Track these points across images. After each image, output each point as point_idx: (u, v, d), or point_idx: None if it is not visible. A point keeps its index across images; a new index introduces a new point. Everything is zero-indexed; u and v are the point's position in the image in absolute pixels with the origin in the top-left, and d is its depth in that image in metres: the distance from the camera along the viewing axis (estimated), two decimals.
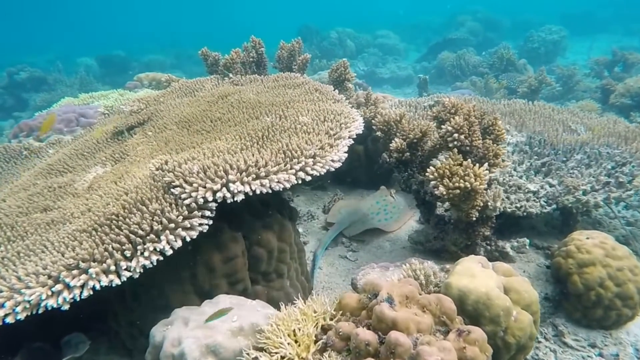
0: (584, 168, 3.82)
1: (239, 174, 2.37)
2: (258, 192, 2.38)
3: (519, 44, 14.70)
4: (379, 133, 3.64)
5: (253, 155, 2.59)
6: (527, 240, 3.27)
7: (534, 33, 13.93)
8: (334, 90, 4.00)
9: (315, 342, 1.90)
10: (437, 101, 4.85)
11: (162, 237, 2.20)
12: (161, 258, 2.21)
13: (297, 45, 5.01)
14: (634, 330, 3.04)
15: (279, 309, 2.53)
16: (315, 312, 2.03)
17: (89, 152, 3.76)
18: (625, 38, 18.13)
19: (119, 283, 2.11)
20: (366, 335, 1.77)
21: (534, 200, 3.47)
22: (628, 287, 2.92)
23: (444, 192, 2.70)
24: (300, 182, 2.50)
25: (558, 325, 3.01)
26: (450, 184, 2.68)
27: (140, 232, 2.20)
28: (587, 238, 3.14)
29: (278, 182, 2.42)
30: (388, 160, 3.60)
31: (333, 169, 2.66)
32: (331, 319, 2.02)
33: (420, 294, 2.00)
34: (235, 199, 2.34)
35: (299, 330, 1.92)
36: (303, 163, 2.53)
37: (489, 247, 3.31)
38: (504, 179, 3.70)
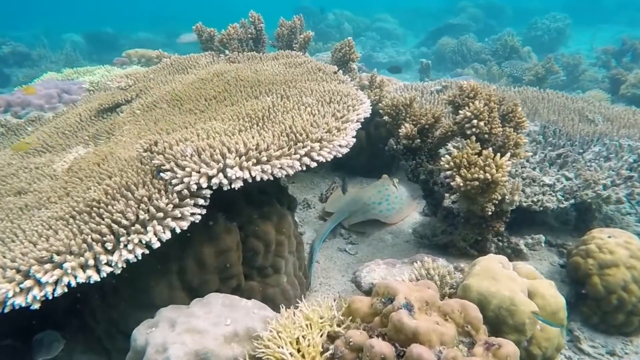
0: (602, 161, 3.60)
1: (237, 157, 2.10)
2: (258, 178, 2.11)
3: (521, 31, 14.37)
4: (386, 117, 3.37)
5: (253, 137, 2.32)
6: (543, 237, 3.05)
7: (538, 20, 13.61)
8: (338, 70, 3.72)
9: (322, 352, 1.67)
10: (445, 86, 4.59)
11: (149, 228, 1.94)
12: (147, 251, 1.95)
13: (298, 22, 4.70)
14: None
15: (275, 307, 2.31)
16: (321, 318, 1.79)
17: (71, 130, 3.45)
18: (629, 28, 17.82)
19: (98, 279, 1.85)
20: (382, 347, 1.53)
21: (550, 194, 3.25)
22: None
23: (461, 184, 2.46)
24: (304, 168, 2.24)
25: (574, 330, 2.81)
26: (468, 174, 2.44)
27: (124, 221, 1.94)
28: (610, 237, 2.92)
29: (281, 168, 2.16)
30: (395, 147, 3.35)
31: (340, 155, 2.40)
32: (338, 325, 1.79)
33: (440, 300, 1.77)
34: (232, 186, 2.07)
35: (303, 338, 1.68)
36: (309, 147, 2.27)
37: (500, 244, 3.10)
38: (516, 171, 3.47)
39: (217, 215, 2.36)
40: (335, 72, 3.59)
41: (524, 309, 1.95)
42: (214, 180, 2.03)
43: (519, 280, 2.09)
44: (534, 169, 3.57)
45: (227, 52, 4.32)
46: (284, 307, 2.00)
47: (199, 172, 2.05)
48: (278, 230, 2.57)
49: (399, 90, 4.59)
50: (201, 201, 2.07)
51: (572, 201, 3.23)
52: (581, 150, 3.77)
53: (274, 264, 2.62)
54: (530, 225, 3.67)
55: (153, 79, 3.97)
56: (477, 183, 2.40)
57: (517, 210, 3.22)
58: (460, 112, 2.69)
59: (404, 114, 3.25)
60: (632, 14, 19.04)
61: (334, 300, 2.23)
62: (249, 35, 4.48)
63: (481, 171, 2.39)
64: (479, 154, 2.55)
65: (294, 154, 2.22)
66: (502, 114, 2.89)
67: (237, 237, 2.42)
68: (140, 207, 1.98)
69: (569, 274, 3.06)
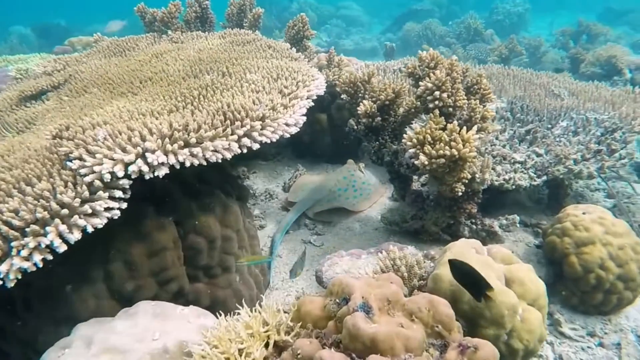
0: (571, 135, 3.42)
1: (160, 140, 1.76)
2: (188, 164, 1.78)
3: (483, 15, 14.35)
4: (344, 96, 3.08)
5: (183, 117, 1.97)
6: (518, 217, 2.84)
7: (499, 5, 13.63)
8: (291, 48, 3.40)
9: None
10: (408, 65, 4.33)
11: (50, 229, 1.58)
12: (50, 257, 1.59)
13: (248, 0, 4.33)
14: (633, 314, 2.70)
15: (228, 311, 2.00)
16: (266, 324, 1.49)
17: None
18: (583, 14, 18.22)
19: None
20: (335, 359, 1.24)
21: (522, 172, 3.04)
22: (630, 268, 2.56)
23: (425, 162, 2.19)
24: (244, 151, 1.92)
25: (554, 314, 2.62)
26: (432, 151, 2.17)
27: (16, 222, 1.57)
28: (584, 213, 2.74)
29: (215, 151, 1.83)
30: (356, 127, 3.06)
31: (288, 135, 2.09)
32: (287, 333, 1.49)
33: (405, 296, 1.49)
34: (156, 173, 1.73)
35: (240, 354, 1.37)
36: (248, 127, 1.94)
37: (474, 227, 2.87)
38: (486, 149, 3.25)
39: (146, 210, 2.01)
40: (288, 49, 3.27)
41: (502, 299, 1.70)
42: (132, 168, 1.69)
43: (495, 266, 1.85)
44: (503, 146, 3.36)
45: (169, 32, 3.93)
46: (223, 313, 1.68)
47: (112, 158, 1.69)
48: (223, 223, 2.24)
49: (360, 69, 4.30)
50: (118, 193, 1.72)
51: (545, 178, 3.03)
52: (549, 126, 3.58)
53: (221, 262, 2.29)
54: (503, 205, 3.47)
55: (86, 63, 3.55)
56: (443, 160, 2.14)
57: (488, 191, 3.00)
58: (420, 83, 2.42)
59: (362, 91, 2.96)
60: (586, 0, 19.49)
61: (297, 299, 1.94)
62: (194, 14, 4.09)
63: (447, 147, 2.13)
64: (444, 129, 2.28)
65: (231, 134, 1.89)
66: (466, 86, 2.64)
67: (173, 233, 2.08)
68: (40, 204, 1.62)
69: (545, 255, 2.87)
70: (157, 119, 1.97)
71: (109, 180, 1.69)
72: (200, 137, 1.81)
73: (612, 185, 4.18)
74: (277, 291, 2.90)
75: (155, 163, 1.70)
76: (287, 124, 2.07)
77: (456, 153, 2.09)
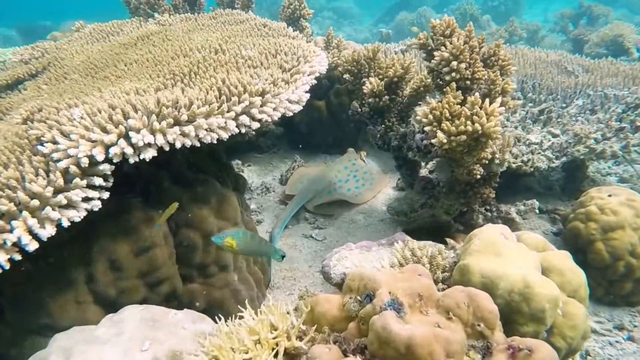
0: (588, 114, 3.22)
1: (145, 117, 1.52)
2: (179, 145, 1.55)
3: (478, 1, 14.18)
4: (346, 76, 2.84)
5: (172, 93, 1.73)
6: (537, 203, 2.62)
7: None
8: (287, 27, 3.16)
9: None
10: (410, 45, 4.11)
11: (17, 223, 1.34)
12: (18, 257, 1.35)
13: None
14: None
15: (226, 314, 1.77)
16: (274, 329, 1.26)
17: None
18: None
19: None
20: None
21: (539, 154, 2.83)
22: None
23: (444, 141, 1.97)
24: (243, 130, 1.68)
25: None
26: (452, 128, 1.94)
27: None
28: (610, 195, 2.54)
29: (210, 130, 1.60)
30: (360, 110, 2.83)
31: (291, 113, 1.86)
32: (300, 338, 1.26)
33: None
34: (142, 156, 1.50)
35: None
36: (247, 103, 1.71)
37: (489, 214, 2.65)
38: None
39: (132, 201, 1.77)
40: (284, 28, 3.03)
41: (542, 290, 1.48)
42: (114, 150, 1.45)
43: (530, 254, 1.63)
44: (515, 127, 3.15)
45: (156, 14, 3.67)
46: (222, 316, 1.45)
47: (90, 139, 1.45)
48: (220, 215, 2.01)
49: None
50: (98, 181, 1.48)
51: (564, 159, 2.82)
52: (564, 105, 3.38)
53: (218, 259, 2.06)
54: (515, 192, 3.26)
55: (66, 50, 3.28)
56: (464, 138, 1.91)
57: (501, 175, 2.79)
58: (435, 54, 2.19)
59: (367, 69, 2.73)
60: None
61: (301, 299, 1.72)
62: None
63: (468, 122, 1.90)
64: (461, 104, 2.06)
65: (227, 111, 1.66)
66: (482, 58, 2.41)
67: (163, 228, 1.84)
68: (6, 195, 1.38)
69: (566, 242, 2.66)
70: (142, 97, 1.72)
71: (86, 166, 1.44)
72: (192, 114, 1.57)
73: (623, 169, 4.00)
74: (279, 290, 2.68)
75: (141, 144, 1.47)
76: (289, 101, 1.84)
77: (479, 128, 1.87)
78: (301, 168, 3.96)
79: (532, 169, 2.67)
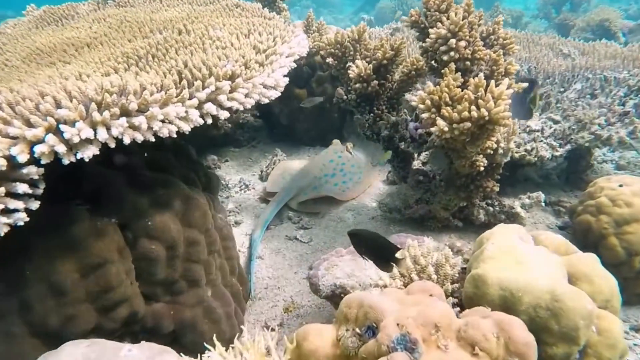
0: (589, 98, 3.00)
1: (83, 107, 1.20)
2: (127, 140, 1.24)
3: None
4: (329, 60, 2.56)
5: (121, 79, 1.42)
6: (542, 195, 2.40)
7: None
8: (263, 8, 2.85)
9: None
10: (397, 28, 3.84)
11: None
12: None
13: None
14: None
15: (198, 337, 1.49)
16: None
17: None
18: None
19: None
20: None
21: (541, 142, 2.60)
22: None
23: (445, 129, 1.70)
24: (209, 121, 1.38)
25: None
26: (454, 114, 1.68)
27: None
28: (621, 185, 2.32)
29: (167, 121, 1.29)
30: (345, 97, 2.55)
31: (266, 100, 1.57)
32: None
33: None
34: (79, 155, 1.19)
35: None
36: (212, 88, 1.41)
37: (491, 209, 2.42)
38: None
39: (76, 210, 1.46)
40: (260, 9, 2.72)
41: (573, 304, 1.24)
42: (41, 149, 1.14)
43: (552, 259, 1.38)
44: None
45: None
46: (192, 338, 1.16)
47: (8, 135, 1.14)
48: (186, 222, 1.71)
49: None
50: (23, 187, 1.16)
51: (568, 147, 2.60)
52: (562, 89, 3.16)
53: (187, 273, 1.75)
54: (514, 183, 3.04)
55: (10, 34, 2.91)
56: (468, 125, 1.65)
57: (506, 165, 2.56)
58: (431, 31, 1.91)
59: (352, 52, 2.44)
60: None
61: (286, 312, 1.46)
62: None
63: (473, 107, 1.64)
64: (463, 86, 1.80)
65: (189, 98, 1.35)
66: (481, 37, 2.16)
67: (117, 240, 1.53)
68: None
69: (574, 237, 2.44)
70: (83, 83, 1.41)
71: (3, 169, 1.13)
72: (144, 102, 1.26)
73: (618, 156, 3.83)
74: (261, 302, 2.39)
75: (77, 140, 1.16)
76: (264, 85, 1.55)
77: (486, 114, 1.61)
78: (283, 162, 3.68)
79: (536, 159, 2.44)
